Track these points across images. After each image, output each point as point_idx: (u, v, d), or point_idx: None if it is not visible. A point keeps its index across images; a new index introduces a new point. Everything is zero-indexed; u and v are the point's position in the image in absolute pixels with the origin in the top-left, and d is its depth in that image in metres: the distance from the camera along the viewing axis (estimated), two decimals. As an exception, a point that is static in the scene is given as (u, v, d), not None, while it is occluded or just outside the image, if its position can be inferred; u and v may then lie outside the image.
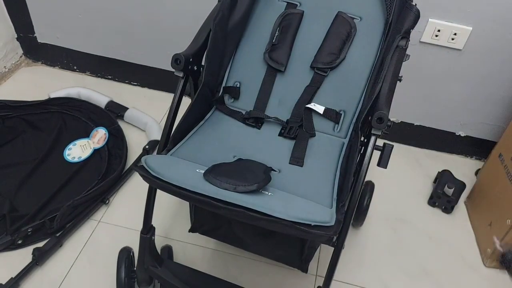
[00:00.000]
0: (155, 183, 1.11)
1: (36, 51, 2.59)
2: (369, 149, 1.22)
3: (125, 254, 1.59)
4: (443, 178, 2.09)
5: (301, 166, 1.34)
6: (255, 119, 1.49)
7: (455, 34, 1.96)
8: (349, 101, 1.48)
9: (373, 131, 1.20)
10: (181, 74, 1.33)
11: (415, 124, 2.31)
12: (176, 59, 1.30)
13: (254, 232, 1.47)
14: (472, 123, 2.24)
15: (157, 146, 1.37)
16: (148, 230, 1.45)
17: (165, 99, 2.42)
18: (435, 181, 2.17)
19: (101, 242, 1.80)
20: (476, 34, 1.95)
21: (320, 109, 1.47)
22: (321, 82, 1.50)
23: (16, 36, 2.54)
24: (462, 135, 2.29)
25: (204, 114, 1.51)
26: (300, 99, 1.50)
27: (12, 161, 2.03)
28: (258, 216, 1.00)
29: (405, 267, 1.83)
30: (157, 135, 2.18)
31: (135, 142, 2.22)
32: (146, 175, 1.11)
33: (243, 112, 1.51)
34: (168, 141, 1.34)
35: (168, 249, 1.72)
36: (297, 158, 1.35)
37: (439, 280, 1.79)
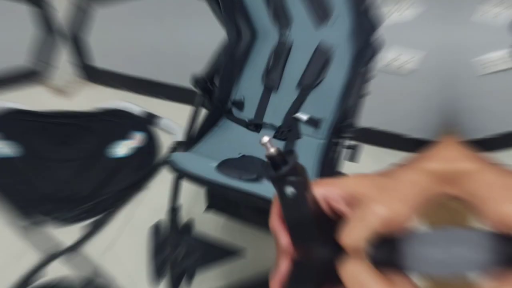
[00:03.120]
0: (180, 173, 1.12)
1: (93, 74, 2.59)
2: (341, 147, 1.24)
3: (157, 226, 1.61)
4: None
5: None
6: (255, 125, 1.51)
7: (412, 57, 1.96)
8: (327, 111, 1.48)
9: (344, 134, 1.22)
10: (199, 92, 1.35)
11: (379, 128, 2.31)
12: (195, 80, 1.31)
13: (255, 211, 1.48)
14: (418, 128, 2.23)
15: (181, 146, 1.38)
16: (174, 208, 1.46)
17: (187, 110, 2.43)
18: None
19: (140, 219, 1.81)
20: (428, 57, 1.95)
21: (305, 117, 1.48)
22: (306, 97, 1.51)
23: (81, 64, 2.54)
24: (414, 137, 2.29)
25: (216, 121, 1.52)
26: (289, 110, 1.51)
27: (69, 156, 2.04)
28: (257, 197, 1.01)
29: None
30: (181, 138, 2.19)
31: (165, 143, 2.23)
32: (173, 167, 1.13)
33: (246, 120, 1.53)
34: (189, 142, 1.35)
35: (190, 222, 1.73)
36: (287, 155, 1.36)
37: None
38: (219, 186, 1.07)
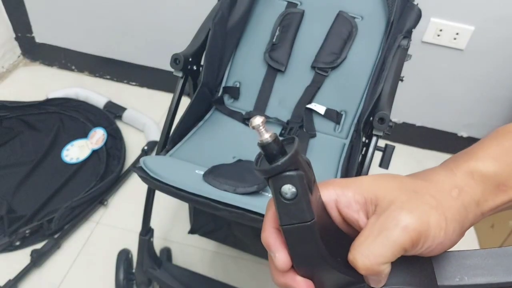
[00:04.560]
0: (154, 185, 1.11)
1: (34, 51, 2.59)
2: (371, 149, 1.21)
3: (123, 256, 1.59)
4: (445, 179, 2.08)
5: (302, 167, 1.33)
6: (255, 120, 1.48)
7: (457, 33, 1.96)
8: (350, 101, 1.48)
9: (374, 132, 1.20)
10: (180, 74, 1.33)
11: (417, 124, 2.31)
12: (175, 59, 1.30)
13: (253, 234, 1.47)
14: (474, 123, 2.23)
15: (156, 147, 1.37)
16: (147, 231, 1.44)
17: (164, 99, 2.42)
18: (437, 182, 2.16)
19: (100, 244, 1.80)
20: (478, 34, 1.94)
21: (321, 109, 1.47)
22: (322, 82, 1.50)
23: (14, 36, 2.54)
24: (465, 136, 2.29)
25: (203, 114, 1.50)
26: (300, 99, 1.49)
27: (10, 162, 2.03)
28: (259, 217, 0.99)
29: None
30: (155, 136, 2.18)
31: (134, 143, 2.22)
32: (145, 177, 1.11)
33: (243, 113, 1.51)
34: (167, 141, 1.34)
35: (167, 251, 1.72)
36: (298, 159, 1.35)
37: None
38: (206, 202, 1.05)
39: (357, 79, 1.48)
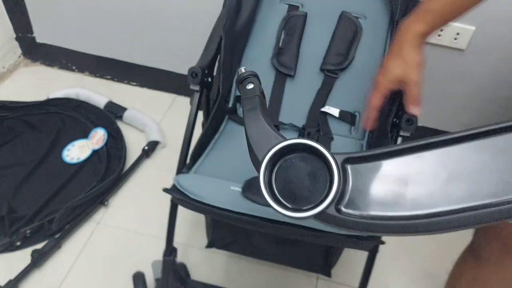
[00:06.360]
0: (194, 207, 1.07)
1: (35, 51, 2.55)
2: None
3: (139, 280, 1.58)
4: (446, 179, 2.07)
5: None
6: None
7: (458, 34, 1.94)
8: (362, 101, 1.45)
9: (402, 133, 1.21)
10: (197, 88, 1.28)
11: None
12: (192, 73, 1.25)
13: (276, 240, 1.43)
14: (474, 123, 2.22)
15: (178, 163, 1.30)
16: (170, 251, 1.41)
17: (165, 99, 2.40)
18: (437, 182, 2.15)
19: (100, 244, 1.79)
20: (479, 34, 1.92)
21: (335, 112, 1.44)
22: (332, 84, 1.47)
23: (14, 36, 2.49)
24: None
25: (217, 126, 1.47)
26: (313, 103, 1.46)
27: (11, 162, 2.01)
28: (308, 232, 0.99)
29: (407, 269, 1.81)
30: (156, 136, 2.16)
31: (134, 143, 2.19)
32: (183, 199, 1.07)
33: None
34: (187, 157, 1.30)
35: (183, 267, 1.68)
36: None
37: (441, 283, 1.76)
38: (253, 220, 1.02)
39: (366, 79, 1.46)
